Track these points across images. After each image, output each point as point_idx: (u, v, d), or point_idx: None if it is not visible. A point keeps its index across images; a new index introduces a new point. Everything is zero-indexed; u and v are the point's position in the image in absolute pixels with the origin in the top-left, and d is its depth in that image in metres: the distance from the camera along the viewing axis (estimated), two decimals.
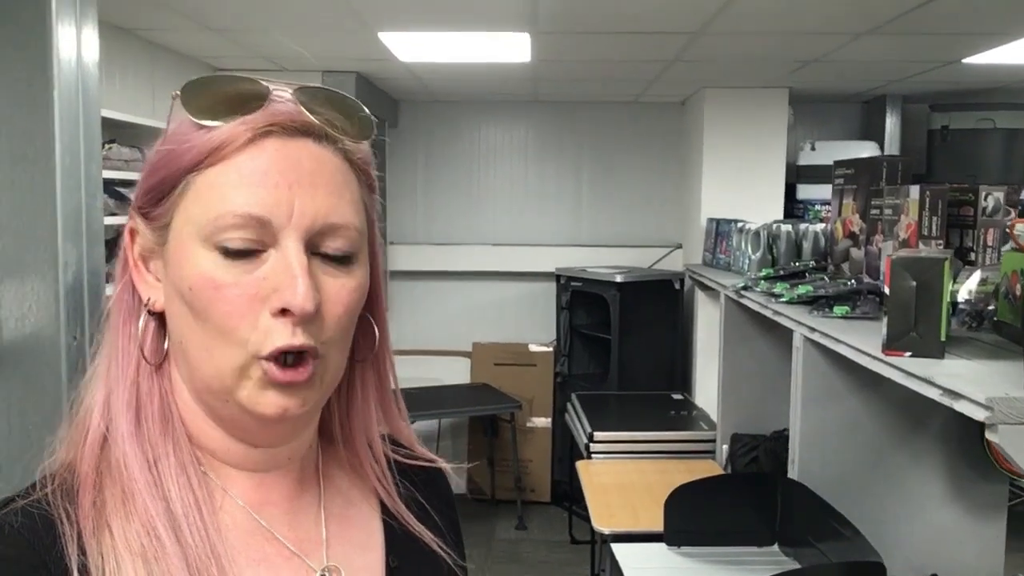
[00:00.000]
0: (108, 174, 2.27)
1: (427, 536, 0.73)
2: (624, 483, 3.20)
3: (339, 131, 0.63)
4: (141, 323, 0.65)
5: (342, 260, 0.63)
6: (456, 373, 5.04)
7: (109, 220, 2.29)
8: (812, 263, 2.87)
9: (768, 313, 2.52)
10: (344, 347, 0.65)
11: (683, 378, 4.50)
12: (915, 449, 2.14)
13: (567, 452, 4.38)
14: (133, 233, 0.66)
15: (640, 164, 5.06)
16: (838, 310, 2.19)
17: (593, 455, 3.50)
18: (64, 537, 0.58)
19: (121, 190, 2.33)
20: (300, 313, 0.59)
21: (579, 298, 4.68)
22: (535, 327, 5.07)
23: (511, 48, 3.29)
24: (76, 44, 1.87)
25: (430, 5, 2.66)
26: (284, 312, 0.59)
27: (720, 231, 3.94)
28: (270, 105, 0.61)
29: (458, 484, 4.91)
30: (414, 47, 3.31)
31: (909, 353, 1.60)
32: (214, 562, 0.60)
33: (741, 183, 4.35)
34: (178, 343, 0.64)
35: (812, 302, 2.36)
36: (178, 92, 0.61)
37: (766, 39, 3.14)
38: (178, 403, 0.65)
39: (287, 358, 0.60)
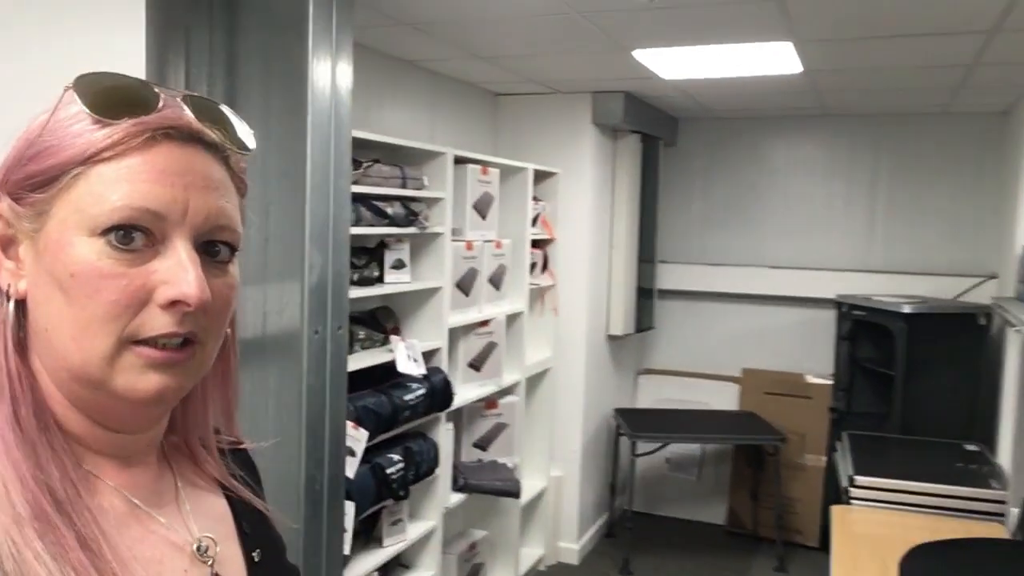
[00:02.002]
0: (367, 189, 2.54)
1: (259, 503, 0.80)
2: (881, 536, 2.86)
3: (226, 141, 0.66)
4: (11, 310, 0.64)
5: (223, 260, 0.66)
6: (724, 398, 4.85)
7: (368, 230, 2.56)
8: None
9: None
10: (219, 340, 0.68)
11: (984, 428, 3.91)
12: None
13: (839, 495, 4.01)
14: None
15: (949, 182, 4.50)
16: None
17: (852, 501, 3.18)
18: None
19: (378, 204, 2.59)
20: (197, 303, 0.62)
21: (862, 329, 4.27)
22: (812, 357, 4.71)
23: (776, 59, 3.13)
24: (331, 76, 2.13)
25: (676, 20, 2.63)
26: (174, 304, 0.62)
27: None
28: (163, 109, 0.63)
29: (717, 514, 4.73)
30: (673, 64, 3.27)
31: None
32: (104, 542, 0.62)
33: None
34: (43, 331, 0.64)
35: None
36: (71, 84, 0.62)
37: None
38: (43, 391, 0.66)
39: (165, 343, 0.63)
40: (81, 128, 0.62)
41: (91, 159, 0.61)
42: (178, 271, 0.61)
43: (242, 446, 0.84)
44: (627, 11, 2.53)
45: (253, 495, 0.81)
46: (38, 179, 0.62)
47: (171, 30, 2.23)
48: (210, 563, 0.72)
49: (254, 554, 0.78)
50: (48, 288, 0.62)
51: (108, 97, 0.62)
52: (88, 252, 0.61)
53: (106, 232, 0.60)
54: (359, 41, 3.02)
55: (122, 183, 0.61)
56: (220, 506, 0.78)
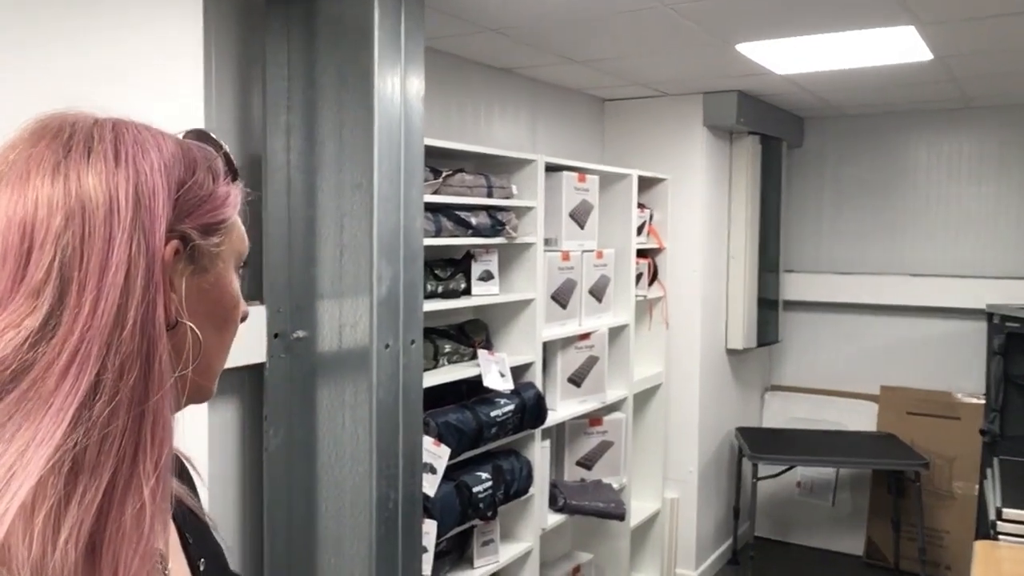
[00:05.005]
0: (449, 199, 2.49)
1: (200, 513, 0.82)
2: None
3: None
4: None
5: None
6: (860, 418, 4.47)
7: (449, 241, 2.50)
8: None
9: None
10: None
11: None
12: None
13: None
14: (177, 253, 0.66)
15: None
16: None
17: (1000, 536, 2.81)
18: None
19: (460, 214, 2.53)
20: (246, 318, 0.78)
21: (1018, 342, 3.81)
22: (960, 374, 4.27)
23: (900, 46, 2.84)
24: (400, 84, 2.08)
25: (774, 8, 2.42)
26: (242, 319, 0.76)
27: None
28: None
29: (854, 544, 4.35)
30: (784, 57, 3.04)
31: None
32: None
33: None
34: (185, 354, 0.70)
35: None
36: (219, 144, 0.74)
37: None
38: None
39: None
40: (227, 184, 0.72)
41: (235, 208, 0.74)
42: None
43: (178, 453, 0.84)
44: (716, 1, 2.36)
45: (193, 504, 0.81)
46: (220, 225, 0.70)
47: (251, 42, 2.27)
48: (167, 574, 0.71)
49: (200, 563, 0.79)
50: (202, 317, 0.69)
51: (230, 159, 0.75)
52: (237, 284, 0.74)
53: (239, 266, 0.75)
54: (453, 52, 2.99)
55: (241, 224, 0.75)
56: None
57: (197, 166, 0.68)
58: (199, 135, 0.73)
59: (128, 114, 0.68)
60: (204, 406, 1.96)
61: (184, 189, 0.66)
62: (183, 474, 0.84)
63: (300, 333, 2.21)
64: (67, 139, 0.62)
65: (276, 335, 2.23)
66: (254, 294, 2.24)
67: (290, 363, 2.22)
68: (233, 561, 2.26)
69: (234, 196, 0.72)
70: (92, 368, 0.58)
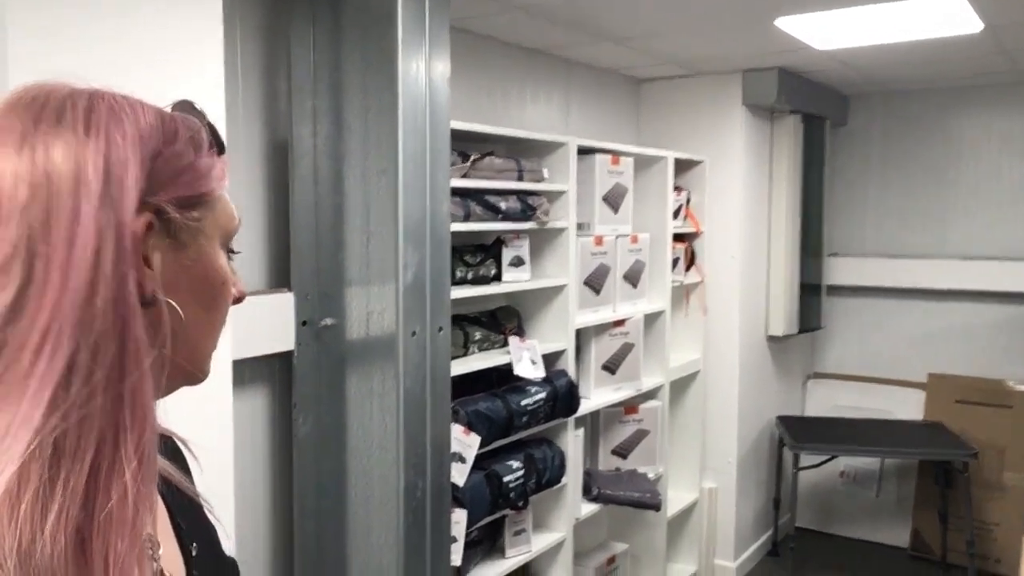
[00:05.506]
0: (477, 183, 2.44)
1: (190, 491, 0.78)
2: None
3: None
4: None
5: None
6: (907, 407, 4.34)
7: (477, 226, 2.46)
8: None
9: None
10: None
11: None
12: None
13: None
14: (151, 227, 0.63)
15: None
16: None
17: None
18: None
19: (490, 199, 2.48)
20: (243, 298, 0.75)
21: None
22: (1013, 360, 4.11)
23: (948, 16, 2.71)
24: (425, 67, 2.04)
25: None
26: (237, 300, 0.73)
27: None
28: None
29: (899, 536, 4.24)
30: (825, 31, 2.92)
31: None
32: None
33: None
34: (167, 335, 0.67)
35: None
36: (199, 112, 0.71)
37: None
38: None
39: None
40: (211, 157, 0.69)
41: (221, 182, 0.71)
42: (232, 272, 0.72)
43: (170, 434, 0.81)
44: None
45: (186, 487, 0.79)
46: (199, 199, 0.67)
47: (275, 27, 2.24)
48: (157, 560, 0.69)
49: (192, 548, 0.77)
50: (185, 294, 0.67)
51: (216, 132, 0.71)
52: (225, 262, 0.71)
53: (227, 244, 0.72)
54: (483, 32, 2.94)
55: (230, 201, 0.72)
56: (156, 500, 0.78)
57: (177, 137, 0.65)
58: (184, 107, 0.70)
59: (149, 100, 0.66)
60: (230, 393, 1.95)
61: (160, 160, 0.63)
62: (178, 456, 0.81)
63: (328, 321, 2.19)
64: (39, 110, 0.60)
65: (304, 323, 2.21)
66: (281, 281, 2.23)
67: (318, 351, 2.20)
68: (262, 548, 2.26)
69: (218, 169, 0.69)
70: (66, 347, 0.56)
